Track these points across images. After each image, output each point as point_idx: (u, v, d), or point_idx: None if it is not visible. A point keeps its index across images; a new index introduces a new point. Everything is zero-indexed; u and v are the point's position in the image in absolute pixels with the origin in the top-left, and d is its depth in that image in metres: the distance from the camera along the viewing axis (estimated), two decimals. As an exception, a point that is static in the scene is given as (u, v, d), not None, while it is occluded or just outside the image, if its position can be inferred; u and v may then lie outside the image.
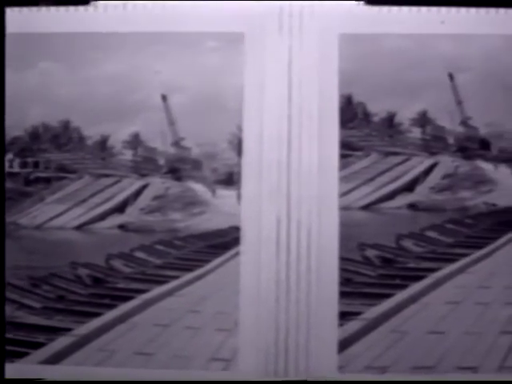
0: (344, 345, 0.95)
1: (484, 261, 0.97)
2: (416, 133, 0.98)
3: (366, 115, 0.98)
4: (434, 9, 0.98)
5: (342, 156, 0.96)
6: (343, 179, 0.96)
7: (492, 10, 0.98)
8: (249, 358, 0.94)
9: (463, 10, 0.98)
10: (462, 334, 0.95)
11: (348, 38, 0.97)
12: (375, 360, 0.95)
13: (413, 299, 0.96)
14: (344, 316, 0.95)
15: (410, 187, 0.99)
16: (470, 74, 0.97)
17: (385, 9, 0.97)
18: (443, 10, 0.98)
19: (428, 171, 0.99)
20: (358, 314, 0.95)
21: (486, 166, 0.98)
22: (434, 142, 0.98)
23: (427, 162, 0.99)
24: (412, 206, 0.98)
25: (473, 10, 0.98)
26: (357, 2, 0.98)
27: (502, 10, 0.98)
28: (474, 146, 0.98)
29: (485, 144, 0.98)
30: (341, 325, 0.95)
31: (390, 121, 0.98)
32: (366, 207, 0.98)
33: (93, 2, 0.98)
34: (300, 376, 0.94)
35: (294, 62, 0.96)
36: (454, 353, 0.95)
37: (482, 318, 0.96)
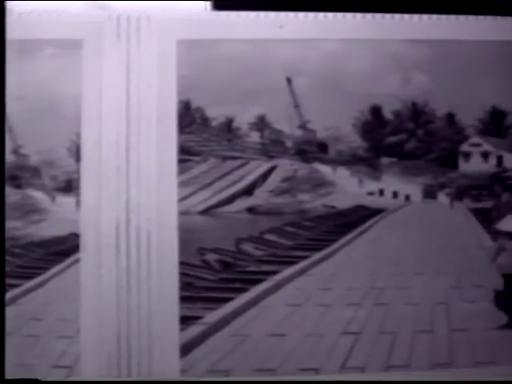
0: (186, 349, 0.95)
1: (324, 263, 0.98)
2: (254, 137, 0.99)
3: (205, 120, 0.98)
4: (272, 14, 0.98)
5: (181, 161, 0.97)
6: (182, 184, 0.97)
7: (330, 15, 0.99)
8: (91, 365, 0.94)
9: (301, 15, 0.98)
10: (304, 336, 0.96)
11: (186, 43, 0.97)
12: (218, 363, 0.95)
13: (253, 302, 0.97)
14: (185, 320, 0.95)
15: (248, 191, 0.99)
16: (307, 78, 0.98)
17: (223, 14, 0.98)
18: (282, 14, 0.98)
19: (267, 175, 0.99)
20: (198, 318, 0.96)
21: (324, 169, 0.99)
22: (272, 145, 0.99)
23: (266, 165, 0.99)
24: (251, 210, 0.99)
25: (311, 15, 0.98)
26: (203, 3, 0.98)
27: (339, 15, 0.99)
28: (313, 149, 0.99)
29: (323, 147, 0.99)
30: (182, 329, 0.95)
31: (228, 125, 0.99)
32: (205, 212, 0.98)
33: None
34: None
35: (132, 68, 0.96)
36: (296, 354, 0.96)
37: (323, 320, 0.97)
